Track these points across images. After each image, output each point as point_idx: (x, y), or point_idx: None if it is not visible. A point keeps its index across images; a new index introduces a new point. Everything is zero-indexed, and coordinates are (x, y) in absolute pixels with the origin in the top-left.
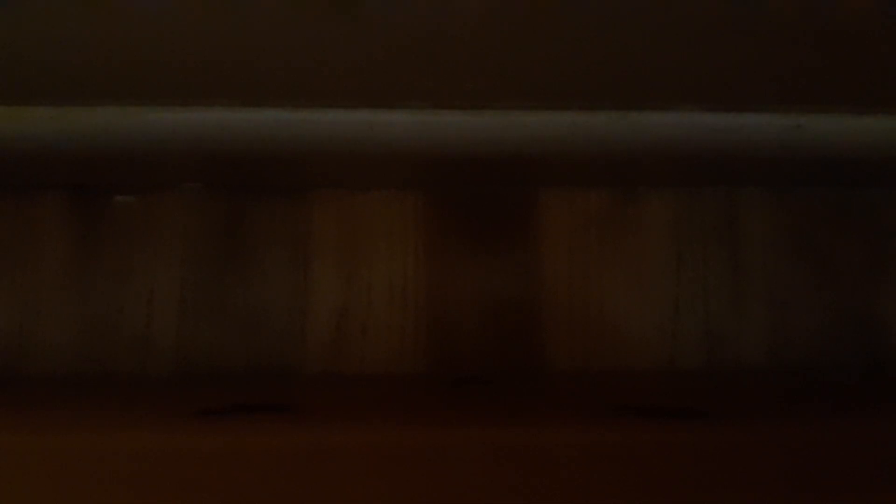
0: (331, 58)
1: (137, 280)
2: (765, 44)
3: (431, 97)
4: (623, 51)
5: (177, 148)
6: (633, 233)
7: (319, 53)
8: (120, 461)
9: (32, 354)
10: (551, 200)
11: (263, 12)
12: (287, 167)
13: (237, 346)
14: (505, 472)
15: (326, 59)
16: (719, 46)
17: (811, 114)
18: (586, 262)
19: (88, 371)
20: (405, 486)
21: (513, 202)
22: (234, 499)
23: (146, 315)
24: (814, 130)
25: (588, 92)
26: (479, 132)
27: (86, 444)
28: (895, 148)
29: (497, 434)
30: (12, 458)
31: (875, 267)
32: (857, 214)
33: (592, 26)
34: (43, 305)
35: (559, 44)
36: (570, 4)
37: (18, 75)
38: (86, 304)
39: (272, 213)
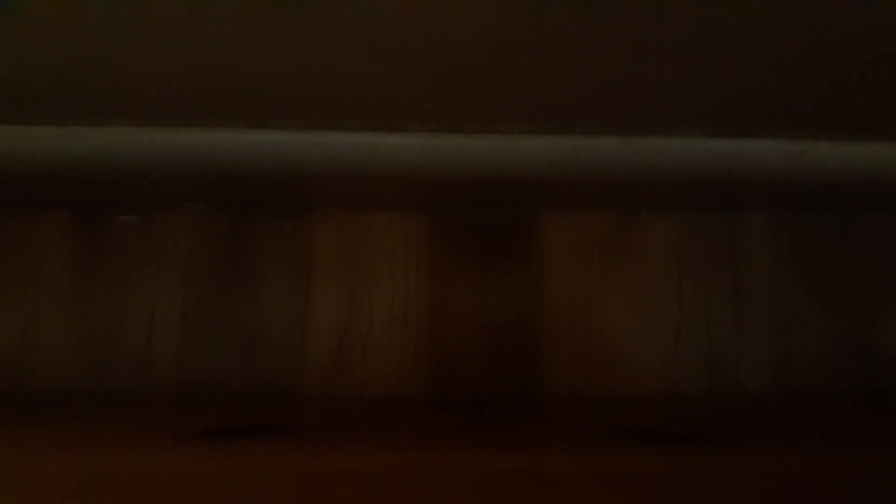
0: (334, 80)
1: (139, 298)
2: (767, 70)
3: (435, 120)
4: (626, 76)
5: (180, 168)
6: (634, 257)
7: (323, 76)
8: (119, 483)
9: (32, 371)
10: (553, 223)
11: (268, 34)
12: (290, 188)
13: (238, 366)
14: (505, 498)
15: (330, 82)
16: (722, 72)
17: (813, 140)
18: (588, 285)
19: (88, 388)
20: None
21: (514, 225)
22: None
23: (147, 333)
24: (816, 156)
25: (591, 117)
26: (483, 155)
27: (85, 465)
28: None
29: (497, 459)
30: (9, 477)
31: (877, 292)
32: (859, 239)
33: (596, 52)
34: (44, 322)
35: (563, 69)
36: (575, 30)
37: (21, 93)
38: (87, 322)
39: (274, 232)
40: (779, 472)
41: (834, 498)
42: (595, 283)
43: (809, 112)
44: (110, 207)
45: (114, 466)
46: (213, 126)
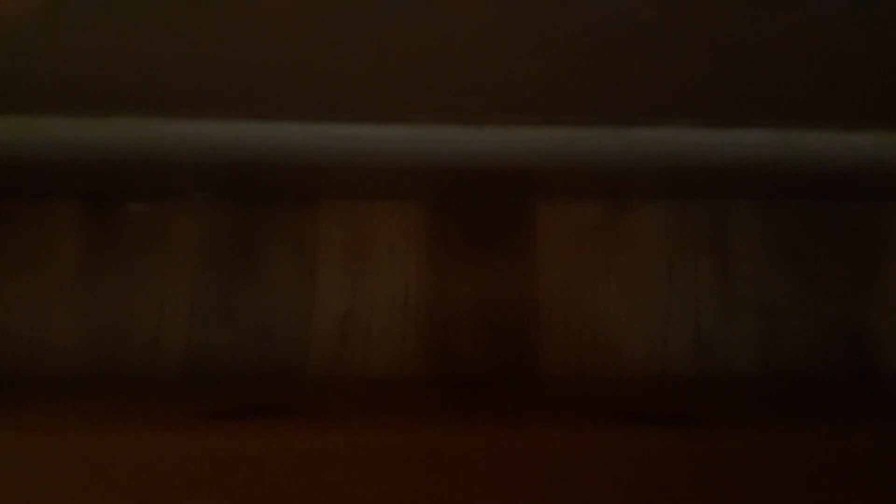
0: (337, 74)
1: (148, 285)
2: (755, 62)
3: (433, 112)
4: (617, 69)
5: (189, 158)
6: (625, 243)
7: (327, 70)
8: (128, 463)
9: (43, 357)
10: (547, 211)
11: (274, 29)
12: (295, 177)
13: (245, 351)
14: (501, 475)
15: (333, 76)
16: (710, 65)
17: (799, 129)
18: (580, 271)
19: (98, 375)
20: (405, 487)
21: (510, 213)
22: (239, 500)
23: (157, 320)
24: (802, 145)
25: (583, 108)
26: (479, 146)
27: (94, 446)
28: (881, 162)
29: (493, 438)
30: (22, 458)
31: (861, 278)
32: (843, 227)
33: (588, 45)
34: (55, 309)
35: (557, 62)
36: (568, 24)
37: (34, 85)
38: (97, 309)
39: (279, 221)
40: (765, 451)
41: (819, 476)
42: (587, 269)
43: (797, 103)
44: (119, 197)
45: (123, 447)
46: (221, 117)
